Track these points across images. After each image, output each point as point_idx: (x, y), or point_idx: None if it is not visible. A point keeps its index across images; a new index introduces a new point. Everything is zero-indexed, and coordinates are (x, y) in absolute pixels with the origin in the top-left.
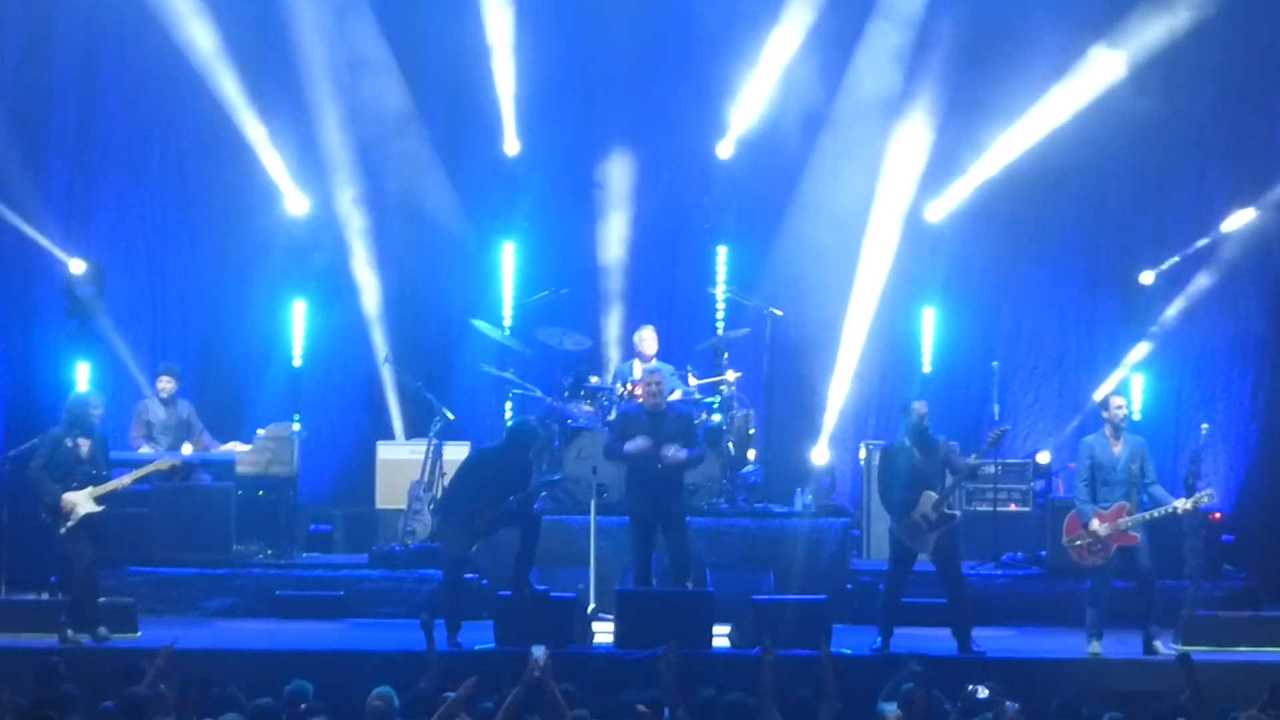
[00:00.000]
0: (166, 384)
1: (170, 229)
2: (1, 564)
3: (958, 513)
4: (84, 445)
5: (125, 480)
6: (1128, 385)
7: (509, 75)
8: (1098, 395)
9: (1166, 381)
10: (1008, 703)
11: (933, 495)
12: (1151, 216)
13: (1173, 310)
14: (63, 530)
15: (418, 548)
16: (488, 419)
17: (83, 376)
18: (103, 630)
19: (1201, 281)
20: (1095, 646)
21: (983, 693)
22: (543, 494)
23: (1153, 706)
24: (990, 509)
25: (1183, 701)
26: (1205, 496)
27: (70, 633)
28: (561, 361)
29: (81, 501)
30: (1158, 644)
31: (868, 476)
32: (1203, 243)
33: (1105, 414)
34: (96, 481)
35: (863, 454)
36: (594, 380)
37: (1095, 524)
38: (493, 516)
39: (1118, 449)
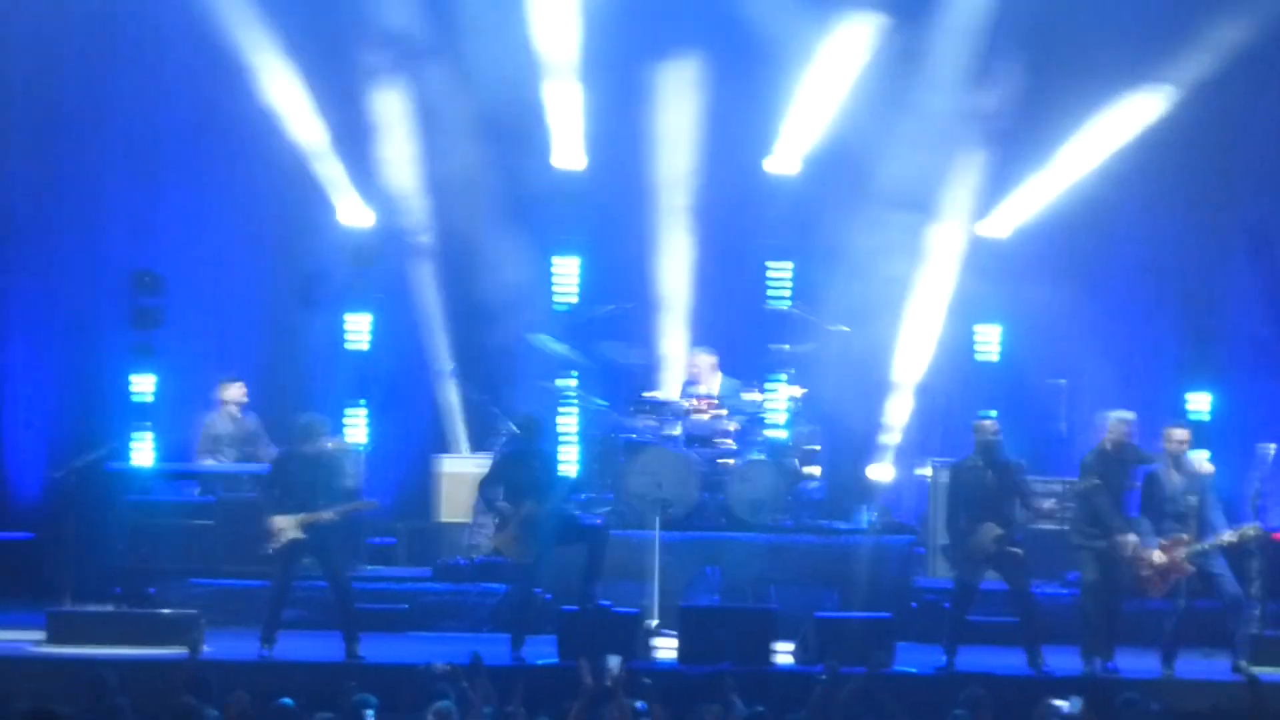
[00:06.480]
0: (238, 391)
1: (234, 241)
2: (67, 575)
3: (1020, 551)
4: (308, 469)
5: (328, 514)
6: (1184, 409)
7: (574, 90)
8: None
9: (1231, 401)
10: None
11: (995, 529)
12: (1213, 240)
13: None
14: (270, 550)
15: (482, 561)
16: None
17: (146, 388)
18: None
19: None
20: (1167, 669)
21: (1067, 708)
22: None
23: None
24: (1056, 527)
25: None
26: (1251, 530)
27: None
28: (624, 376)
29: (288, 527)
30: (1242, 663)
31: (933, 494)
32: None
33: (1165, 445)
34: (311, 507)
35: (928, 471)
36: (658, 395)
37: (1155, 555)
38: (538, 514)
39: (1176, 479)
